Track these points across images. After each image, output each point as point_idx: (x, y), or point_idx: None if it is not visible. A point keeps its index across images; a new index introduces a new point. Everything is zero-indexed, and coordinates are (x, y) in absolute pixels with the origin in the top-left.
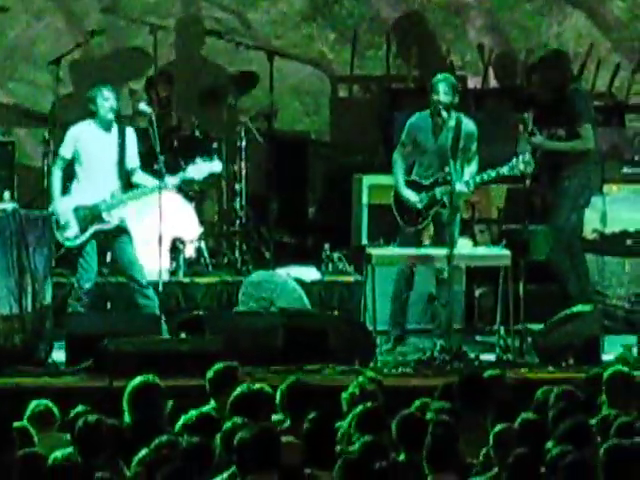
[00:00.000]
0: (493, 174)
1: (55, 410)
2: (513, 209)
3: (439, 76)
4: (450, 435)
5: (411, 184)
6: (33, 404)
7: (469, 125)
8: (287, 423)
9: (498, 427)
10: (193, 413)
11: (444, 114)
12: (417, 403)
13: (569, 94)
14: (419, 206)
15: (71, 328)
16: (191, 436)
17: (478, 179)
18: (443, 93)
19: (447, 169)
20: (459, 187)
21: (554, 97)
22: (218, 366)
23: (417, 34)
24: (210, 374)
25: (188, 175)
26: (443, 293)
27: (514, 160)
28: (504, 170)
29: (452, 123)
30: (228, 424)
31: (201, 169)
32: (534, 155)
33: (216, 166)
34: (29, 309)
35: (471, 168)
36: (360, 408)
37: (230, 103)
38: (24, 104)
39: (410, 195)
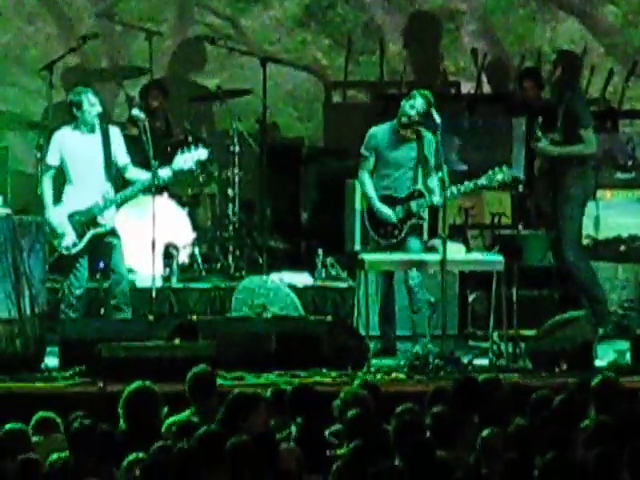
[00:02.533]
0: (471, 186)
1: (58, 419)
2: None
3: (417, 90)
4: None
5: (384, 199)
6: (37, 415)
7: (429, 137)
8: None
9: (486, 432)
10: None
11: (415, 128)
12: (409, 407)
13: (570, 98)
14: (394, 220)
15: (64, 333)
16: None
17: (455, 191)
18: (408, 106)
19: (417, 182)
20: (436, 200)
21: (558, 98)
22: (195, 371)
23: (413, 38)
24: (188, 379)
25: (177, 166)
26: (413, 300)
27: (490, 171)
28: (482, 181)
29: (413, 136)
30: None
31: (188, 158)
32: (533, 161)
33: (202, 153)
34: (28, 313)
35: (435, 180)
36: (350, 414)
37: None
38: (15, 109)
39: (386, 210)
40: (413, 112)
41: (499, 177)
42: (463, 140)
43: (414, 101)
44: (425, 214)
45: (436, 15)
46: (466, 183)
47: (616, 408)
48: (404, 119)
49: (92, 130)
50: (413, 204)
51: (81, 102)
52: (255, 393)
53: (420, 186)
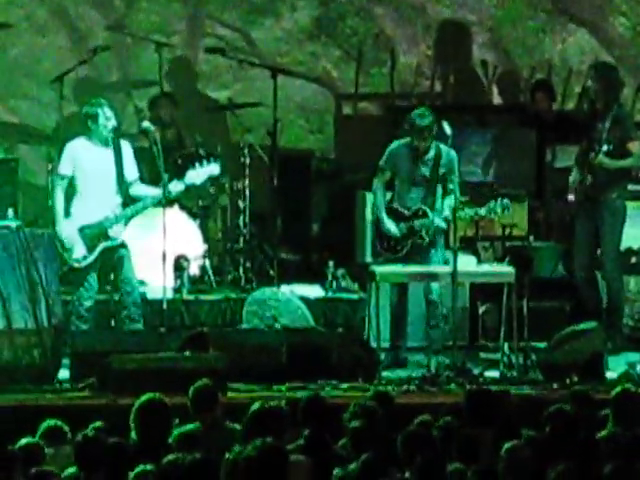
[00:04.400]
0: (471, 212)
1: (66, 428)
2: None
3: (418, 113)
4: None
5: (392, 212)
6: (45, 424)
7: (450, 155)
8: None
9: (510, 443)
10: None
11: (428, 141)
12: (419, 420)
13: (617, 111)
14: (398, 235)
15: (75, 346)
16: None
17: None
18: (427, 132)
19: (427, 201)
20: (437, 222)
21: (603, 112)
22: (196, 385)
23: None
24: (190, 394)
25: (189, 181)
26: (432, 314)
27: (492, 203)
28: (481, 212)
29: (432, 153)
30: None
31: (200, 173)
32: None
33: (214, 169)
34: (45, 324)
35: (450, 201)
36: (356, 425)
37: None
38: (27, 121)
39: (390, 224)
40: (427, 121)
41: (498, 210)
42: (473, 152)
43: (422, 113)
44: (432, 234)
45: (451, 25)
46: (467, 210)
47: (635, 419)
48: (426, 133)
49: (106, 143)
50: (416, 222)
51: (97, 115)
52: (277, 405)
53: (438, 203)
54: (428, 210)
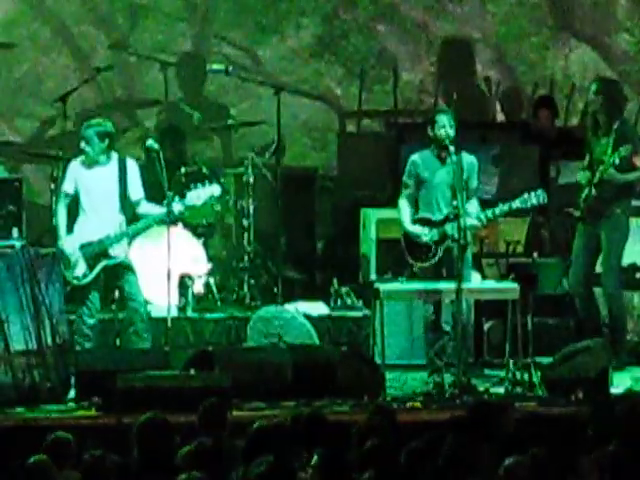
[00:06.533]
0: (506, 208)
1: (71, 440)
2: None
3: (439, 109)
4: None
5: (420, 221)
6: (52, 435)
7: (471, 160)
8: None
9: (509, 460)
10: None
11: (451, 147)
12: (426, 437)
13: (620, 126)
14: (429, 241)
15: (80, 365)
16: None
17: (490, 213)
18: (448, 126)
19: (455, 204)
20: (471, 221)
21: (606, 127)
22: (205, 403)
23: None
24: (198, 412)
25: (189, 202)
26: (457, 330)
27: (526, 194)
28: (516, 203)
29: (455, 157)
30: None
31: (201, 194)
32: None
33: (215, 189)
34: (49, 344)
35: (473, 204)
36: (368, 444)
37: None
38: (31, 141)
39: (419, 231)
40: (446, 130)
41: (534, 201)
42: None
43: (441, 121)
44: (466, 237)
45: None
46: (501, 206)
47: None
48: (447, 142)
49: (107, 162)
50: (448, 227)
51: (81, 139)
52: (280, 422)
53: (463, 208)
54: (459, 211)
